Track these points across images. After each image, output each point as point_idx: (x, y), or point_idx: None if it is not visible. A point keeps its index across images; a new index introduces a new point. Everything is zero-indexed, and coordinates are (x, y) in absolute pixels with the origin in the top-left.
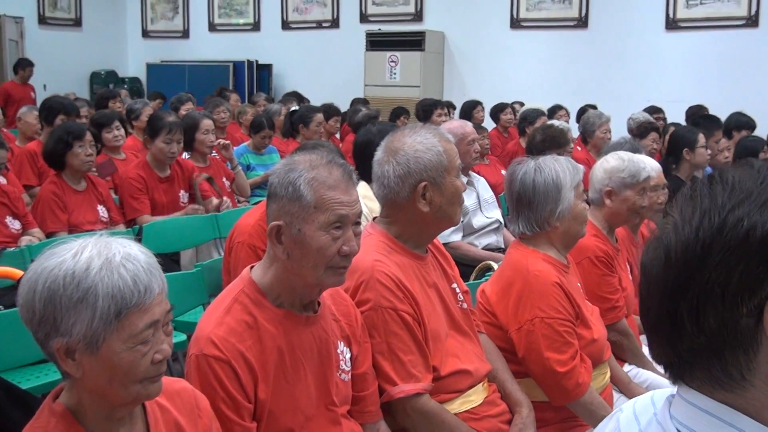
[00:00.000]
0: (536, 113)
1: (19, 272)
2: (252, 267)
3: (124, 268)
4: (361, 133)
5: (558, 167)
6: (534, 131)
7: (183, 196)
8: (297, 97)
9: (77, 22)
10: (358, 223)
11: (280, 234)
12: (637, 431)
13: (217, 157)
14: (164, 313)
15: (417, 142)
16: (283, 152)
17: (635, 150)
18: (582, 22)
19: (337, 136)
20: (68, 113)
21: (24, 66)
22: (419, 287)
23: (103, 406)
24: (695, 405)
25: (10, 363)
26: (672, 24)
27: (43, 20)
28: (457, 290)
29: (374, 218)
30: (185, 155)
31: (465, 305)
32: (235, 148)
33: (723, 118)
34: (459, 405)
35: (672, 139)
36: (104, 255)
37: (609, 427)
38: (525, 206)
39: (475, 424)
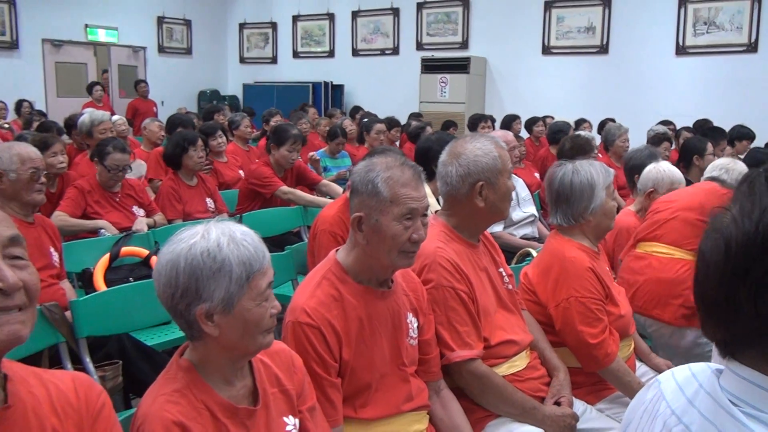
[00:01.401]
0: (567, 126)
1: (145, 251)
2: (337, 250)
3: (245, 241)
4: (422, 140)
5: (593, 170)
6: (564, 140)
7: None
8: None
9: (188, 51)
10: (425, 215)
11: (361, 223)
12: (684, 400)
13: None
14: (272, 276)
15: (477, 148)
16: (354, 155)
17: (653, 156)
18: (603, 49)
19: (397, 143)
20: (185, 126)
21: (139, 83)
22: (472, 270)
23: (228, 360)
24: (748, 379)
25: (139, 324)
26: (681, 50)
27: (161, 49)
28: (503, 273)
29: (435, 211)
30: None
31: (510, 286)
32: (311, 153)
33: (726, 129)
34: (506, 369)
35: (684, 147)
36: (227, 233)
37: (650, 396)
38: (563, 202)
39: (519, 385)
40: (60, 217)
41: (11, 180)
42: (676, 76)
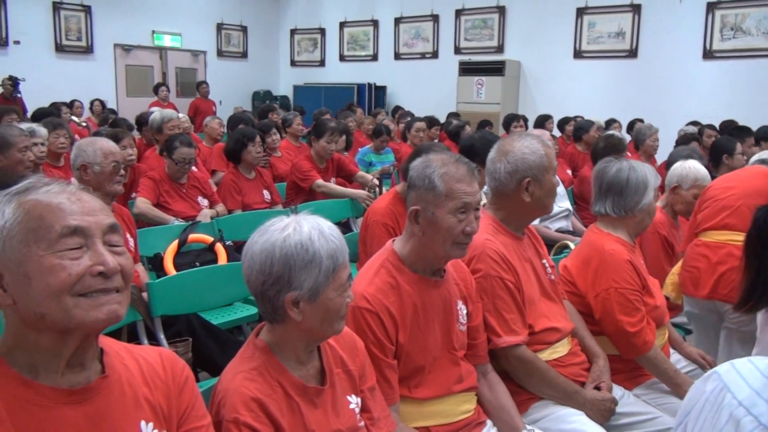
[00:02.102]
0: (589, 123)
1: (210, 238)
2: (394, 240)
3: (332, 235)
4: (466, 138)
5: (647, 171)
6: (598, 139)
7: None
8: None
9: (244, 55)
10: (478, 209)
11: (418, 216)
12: (751, 392)
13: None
14: (350, 269)
15: (524, 146)
16: (397, 151)
17: (693, 155)
18: (633, 53)
19: (436, 141)
20: (245, 123)
21: (200, 84)
22: (518, 261)
23: (303, 342)
24: None
25: (205, 305)
26: (708, 54)
27: (220, 53)
28: (546, 265)
29: (483, 205)
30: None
31: (552, 276)
32: (359, 149)
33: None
34: (548, 354)
35: (714, 146)
36: (317, 228)
37: (710, 387)
38: (616, 193)
39: (561, 370)
40: (145, 202)
41: (95, 172)
42: (703, 79)
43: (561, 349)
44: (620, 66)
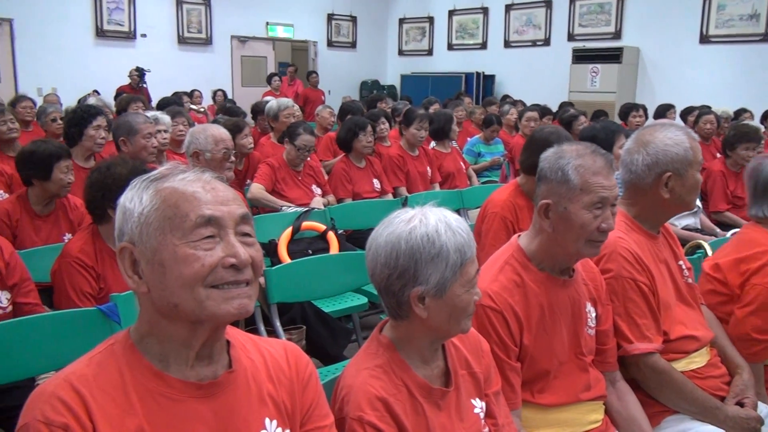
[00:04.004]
0: (705, 110)
1: (322, 226)
2: (519, 236)
3: (460, 228)
4: (587, 128)
5: None
6: (729, 128)
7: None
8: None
9: (353, 45)
10: (614, 204)
11: (548, 210)
12: None
13: None
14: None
15: (667, 137)
16: (508, 143)
17: None
18: (767, 37)
19: None
20: (355, 113)
21: (310, 74)
22: (653, 262)
23: (428, 340)
24: None
25: (318, 294)
26: None
27: (330, 43)
28: (683, 267)
29: None
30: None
31: (690, 280)
32: (468, 139)
33: None
34: (684, 365)
35: None
36: (444, 221)
37: None
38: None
39: (699, 382)
40: (260, 188)
41: (207, 159)
42: None
43: (699, 359)
44: (752, 51)
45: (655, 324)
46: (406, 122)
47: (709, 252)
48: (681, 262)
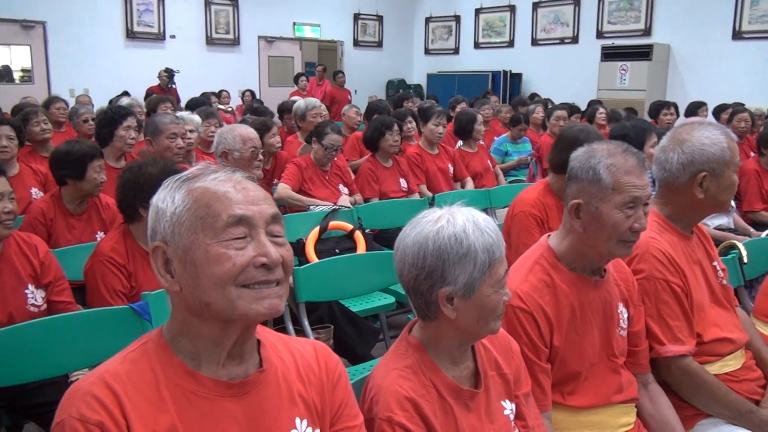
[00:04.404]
0: (738, 108)
1: (349, 226)
2: (549, 236)
3: (488, 228)
4: (617, 127)
5: None
6: (763, 126)
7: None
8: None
9: (379, 44)
10: (647, 204)
11: (579, 210)
12: None
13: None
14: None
15: (704, 137)
16: (535, 142)
17: None
18: None
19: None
20: (381, 112)
21: (337, 74)
22: (686, 263)
23: (458, 341)
24: None
25: (346, 293)
26: None
27: (356, 43)
28: (717, 267)
29: None
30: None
31: (724, 281)
32: (495, 138)
33: None
34: (718, 368)
35: None
36: (472, 220)
37: None
38: None
39: (733, 386)
40: (285, 188)
41: (235, 158)
42: None
43: (733, 362)
44: None
45: (687, 326)
46: (423, 119)
47: (744, 252)
48: (715, 263)
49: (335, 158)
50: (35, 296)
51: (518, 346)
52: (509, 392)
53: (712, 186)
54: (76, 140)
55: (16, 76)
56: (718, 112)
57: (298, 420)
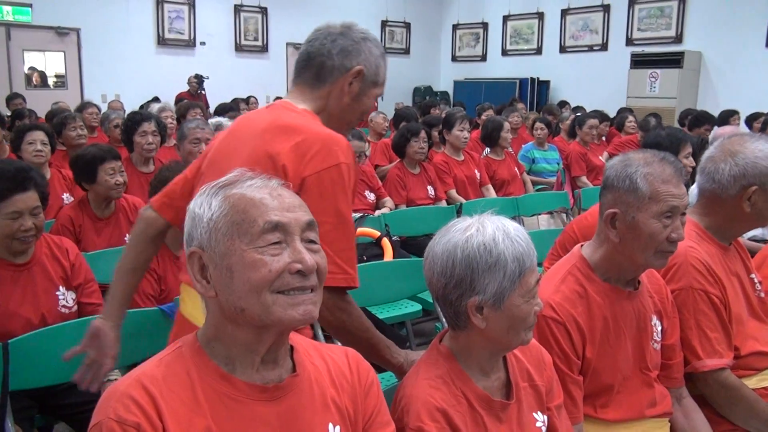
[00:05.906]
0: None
1: (376, 232)
2: (582, 246)
3: (518, 237)
4: (651, 135)
5: None
6: None
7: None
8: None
9: (406, 51)
10: (684, 214)
11: (615, 220)
12: None
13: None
14: (538, 274)
15: (758, 150)
16: (563, 150)
17: None
18: None
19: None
20: (408, 119)
21: None
22: (725, 274)
23: (488, 352)
24: None
25: (374, 300)
26: None
27: (384, 50)
28: (755, 280)
29: None
30: None
31: (762, 294)
32: (523, 145)
33: None
34: (756, 382)
35: None
36: (501, 229)
37: None
38: None
39: None
40: None
41: None
42: None
43: None
44: None
45: (726, 338)
46: (447, 127)
47: None
48: (753, 275)
49: (361, 164)
50: (66, 298)
51: (550, 357)
52: (541, 404)
53: (760, 200)
54: (91, 144)
55: (51, 81)
56: (750, 120)
57: (331, 426)
